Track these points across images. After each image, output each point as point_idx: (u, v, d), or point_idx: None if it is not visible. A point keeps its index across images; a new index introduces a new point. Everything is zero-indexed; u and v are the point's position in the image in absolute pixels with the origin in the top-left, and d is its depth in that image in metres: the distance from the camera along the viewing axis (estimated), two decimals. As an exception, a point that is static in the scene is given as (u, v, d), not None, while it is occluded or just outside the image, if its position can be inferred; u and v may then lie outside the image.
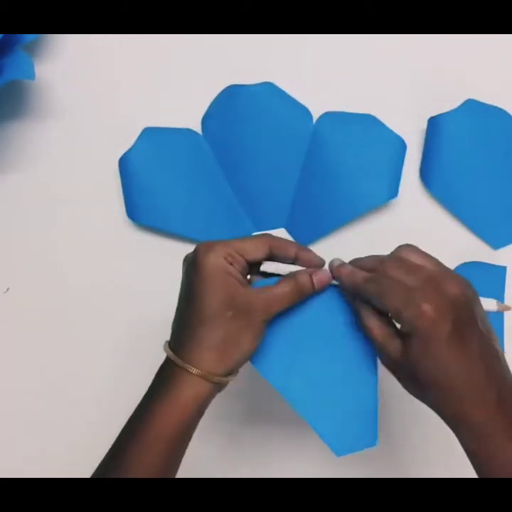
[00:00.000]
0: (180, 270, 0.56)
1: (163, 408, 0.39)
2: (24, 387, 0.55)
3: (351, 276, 0.40)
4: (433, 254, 0.55)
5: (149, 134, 0.56)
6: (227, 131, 0.56)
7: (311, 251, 0.42)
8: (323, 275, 0.41)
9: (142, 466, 0.39)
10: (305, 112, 0.56)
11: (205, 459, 0.53)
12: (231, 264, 0.39)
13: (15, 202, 0.57)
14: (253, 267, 0.41)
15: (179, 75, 0.59)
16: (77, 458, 0.54)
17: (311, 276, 0.40)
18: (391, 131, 0.55)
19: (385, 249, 0.56)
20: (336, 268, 0.41)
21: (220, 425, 0.54)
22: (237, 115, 0.56)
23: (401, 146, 0.55)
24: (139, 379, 0.55)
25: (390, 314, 0.39)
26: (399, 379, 0.39)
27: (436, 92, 0.58)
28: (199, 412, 0.40)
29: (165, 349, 0.40)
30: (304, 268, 0.41)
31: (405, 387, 0.39)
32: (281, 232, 0.56)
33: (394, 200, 0.56)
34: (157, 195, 0.55)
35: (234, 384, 0.53)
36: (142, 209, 0.55)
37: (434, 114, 0.56)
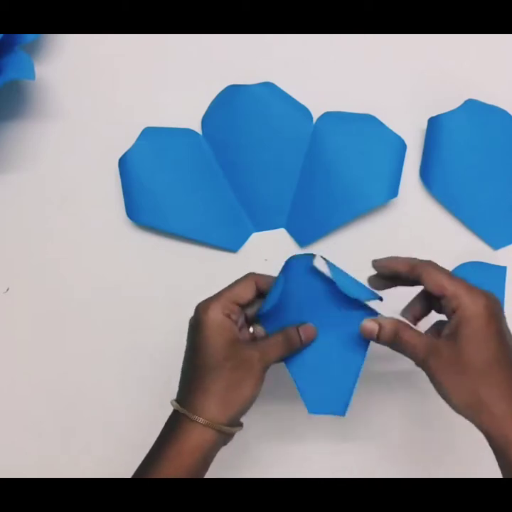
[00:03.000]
0: (180, 270, 0.56)
1: (171, 455, 0.41)
2: (24, 387, 0.55)
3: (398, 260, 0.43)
4: (433, 254, 0.55)
5: (149, 134, 0.56)
6: (227, 131, 0.56)
7: None
8: (308, 329, 0.44)
9: None
10: (305, 112, 0.56)
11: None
12: (229, 315, 0.42)
13: (15, 202, 0.57)
14: (246, 307, 0.44)
15: (179, 75, 0.59)
16: (77, 458, 0.54)
17: (298, 330, 0.44)
18: (391, 131, 0.55)
19: (385, 249, 0.56)
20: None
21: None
22: (237, 115, 0.56)
23: (401, 146, 0.55)
24: (139, 378, 0.55)
25: (441, 300, 0.40)
26: (434, 370, 0.39)
27: (436, 92, 0.58)
28: (204, 462, 0.42)
29: (171, 402, 0.43)
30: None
31: (441, 376, 0.39)
32: (281, 232, 0.56)
33: (394, 200, 0.56)
34: (157, 195, 0.55)
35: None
36: (142, 209, 0.55)
37: (434, 114, 0.56)
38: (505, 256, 0.55)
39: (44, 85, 0.59)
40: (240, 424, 0.43)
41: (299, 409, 0.54)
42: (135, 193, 0.55)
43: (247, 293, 0.43)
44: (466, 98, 0.55)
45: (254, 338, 0.45)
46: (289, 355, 0.44)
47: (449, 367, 0.38)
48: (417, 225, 0.56)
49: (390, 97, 0.58)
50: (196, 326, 0.42)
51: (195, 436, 0.41)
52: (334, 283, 0.44)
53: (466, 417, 0.38)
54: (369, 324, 0.42)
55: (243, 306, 0.44)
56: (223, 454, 0.53)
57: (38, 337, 0.55)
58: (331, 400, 0.45)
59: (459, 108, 0.55)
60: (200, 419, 0.40)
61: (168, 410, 0.50)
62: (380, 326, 0.41)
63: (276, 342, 0.43)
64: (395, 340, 0.41)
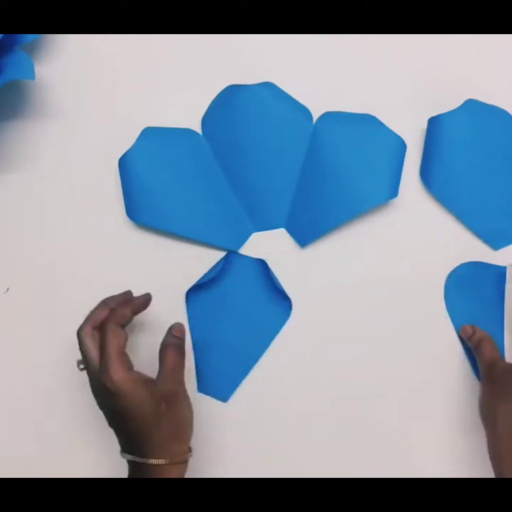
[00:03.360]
0: (180, 270, 0.56)
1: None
2: (24, 388, 0.55)
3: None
4: (433, 254, 0.56)
5: (149, 133, 0.56)
6: (227, 131, 0.56)
7: (132, 300, 0.49)
8: (177, 327, 0.48)
9: None
10: (305, 112, 0.56)
11: (206, 459, 0.53)
12: (130, 368, 0.45)
13: (15, 202, 0.57)
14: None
15: (179, 75, 0.59)
16: (77, 458, 0.54)
17: (172, 333, 0.48)
18: (391, 131, 0.55)
19: (385, 249, 0.56)
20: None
21: (219, 425, 0.54)
22: (237, 115, 0.56)
23: (401, 145, 0.55)
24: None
25: None
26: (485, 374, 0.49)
27: (436, 92, 0.58)
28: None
29: (131, 458, 0.44)
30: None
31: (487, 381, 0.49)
32: (281, 232, 0.56)
33: (394, 200, 0.56)
34: (157, 195, 0.55)
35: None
36: (142, 209, 0.55)
37: (434, 114, 0.56)
38: (505, 256, 0.55)
39: (44, 85, 0.59)
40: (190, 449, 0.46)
41: (297, 409, 0.54)
42: (135, 193, 0.55)
43: (121, 339, 0.46)
44: (466, 98, 0.55)
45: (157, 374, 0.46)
46: (181, 362, 0.47)
47: (489, 376, 0.48)
48: (417, 225, 0.56)
49: (390, 97, 0.58)
50: (112, 396, 0.44)
51: (175, 473, 0.44)
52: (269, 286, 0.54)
53: (484, 418, 0.47)
54: (468, 327, 0.52)
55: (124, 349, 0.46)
56: (224, 454, 0.53)
57: (38, 337, 0.55)
58: (219, 386, 0.53)
59: (459, 108, 0.55)
60: (175, 460, 0.43)
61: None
62: (474, 331, 0.52)
63: (173, 359, 0.46)
64: (478, 344, 0.50)
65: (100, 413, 0.54)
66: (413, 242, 0.56)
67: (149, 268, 0.56)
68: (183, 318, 0.55)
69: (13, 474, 0.51)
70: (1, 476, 0.51)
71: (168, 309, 0.55)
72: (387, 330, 0.54)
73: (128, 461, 0.45)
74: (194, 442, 0.50)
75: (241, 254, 0.55)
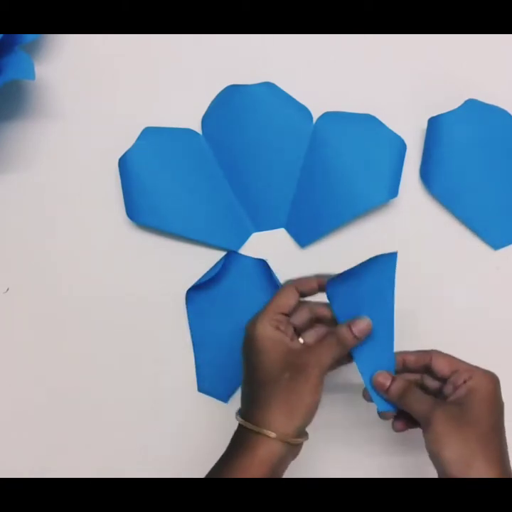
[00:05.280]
0: (180, 270, 0.56)
1: (239, 469, 0.41)
2: (24, 388, 0.55)
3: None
4: (433, 254, 0.56)
5: (149, 134, 0.56)
6: (227, 131, 0.56)
7: (328, 275, 0.47)
8: (361, 324, 0.44)
9: None
10: (305, 112, 0.56)
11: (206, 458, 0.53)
12: (278, 327, 0.43)
13: (15, 202, 0.57)
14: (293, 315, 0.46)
15: (179, 75, 0.59)
16: (77, 458, 0.54)
17: (350, 328, 0.44)
18: (391, 131, 0.55)
19: (385, 249, 0.56)
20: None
21: (219, 425, 0.54)
22: (237, 115, 0.56)
23: (401, 145, 0.55)
24: (139, 377, 0.55)
25: (451, 376, 0.44)
26: (435, 422, 0.41)
27: (436, 92, 0.58)
28: (273, 474, 0.41)
29: (236, 417, 0.43)
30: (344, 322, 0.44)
31: (442, 428, 0.41)
32: (281, 232, 0.56)
33: (394, 200, 0.56)
34: (157, 195, 0.55)
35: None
36: (142, 209, 0.55)
37: (434, 114, 0.56)
38: (505, 256, 0.55)
39: (44, 85, 0.59)
40: (306, 434, 0.43)
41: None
42: (135, 193, 0.55)
43: (290, 300, 0.45)
44: (466, 98, 0.55)
45: (305, 346, 0.45)
46: (344, 354, 0.44)
47: (451, 421, 0.41)
48: (417, 225, 0.56)
49: (390, 97, 0.58)
50: (249, 345, 0.44)
51: (263, 450, 0.41)
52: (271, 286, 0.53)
53: (452, 468, 0.40)
54: (381, 377, 0.44)
55: (289, 315, 0.45)
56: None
57: (38, 337, 0.55)
58: (220, 388, 0.53)
59: (459, 108, 0.55)
60: (269, 432, 0.41)
61: (171, 410, 0.50)
62: (392, 381, 0.44)
63: (329, 344, 0.43)
64: (402, 397, 0.43)
65: (100, 413, 0.54)
66: (413, 242, 0.56)
67: (149, 268, 0.56)
68: (183, 318, 0.55)
69: (13, 474, 0.51)
70: (1, 476, 0.51)
71: (168, 309, 0.55)
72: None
73: (237, 427, 0.44)
74: (194, 442, 0.50)
75: (241, 254, 0.55)
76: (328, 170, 0.55)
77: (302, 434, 0.43)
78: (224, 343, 0.54)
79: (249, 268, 0.55)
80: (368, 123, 0.55)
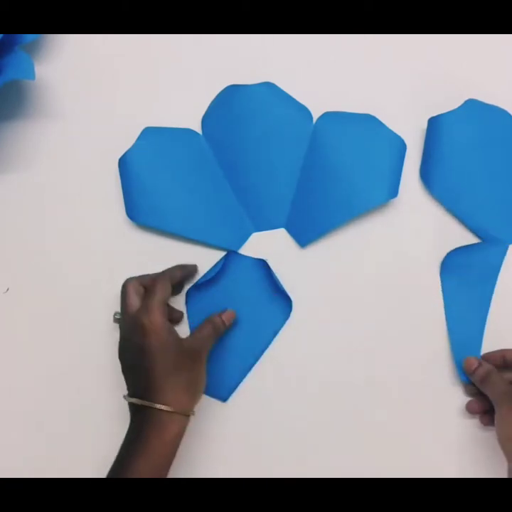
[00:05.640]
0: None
1: (154, 445, 0.45)
2: (24, 388, 0.55)
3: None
4: (433, 254, 0.55)
5: (149, 133, 0.56)
6: (227, 131, 0.56)
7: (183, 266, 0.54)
8: (229, 314, 0.52)
9: None
10: (305, 112, 0.56)
11: (205, 458, 0.53)
12: (168, 317, 0.49)
13: (15, 202, 0.57)
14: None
15: (179, 74, 0.59)
16: (76, 458, 0.54)
17: (221, 317, 0.51)
18: (391, 131, 0.55)
19: (385, 249, 0.56)
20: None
21: (219, 425, 0.54)
22: (236, 115, 0.56)
23: (401, 145, 0.55)
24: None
25: None
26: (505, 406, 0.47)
27: (436, 92, 0.58)
28: (177, 446, 0.47)
29: (136, 401, 0.47)
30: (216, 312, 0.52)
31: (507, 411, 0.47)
32: (281, 232, 0.56)
33: (394, 200, 0.56)
34: (157, 195, 0.55)
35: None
36: (142, 209, 0.55)
37: (434, 114, 0.56)
38: (506, 256, 0.55)
39: (44, 85, 0.59)
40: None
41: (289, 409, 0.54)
42: (135, 193, 0.55)
43: (168, 291, 0.50)
44: (466, 98, 0.55)
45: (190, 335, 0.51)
46: (217, 340, 0.51)
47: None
48: (416, 225, 0.56)
49: (390, 97, 0.58)
50: (141, 330, 0.47)
51: (176, 426, 0.46)
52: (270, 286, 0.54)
53: (506, 447, 0.46)
54: (471, 360, 0.51)
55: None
56: (224, 454, 0.53)
57: (38, 337, 0.55)
58: (219, 387, 0.53)
59: (459, 108, 0.55)
60: (179, 409, 0.46)
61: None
62: (479, 365, 0.50)
63: (208, 332, 0.50)
64: (484, 380, 0.49)
65: (100, 413, 0.54)
66: (413, 242, 0.56)
67: (149, 268, 0.56)
68: (184, 318, 0.55)
69: (12, 474, 0.51)
70: (1, 476, 0.51)
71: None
72: (387, 329, 0.54)
73: (130, 405, 0.48)
74: (193, 441, 0.50)
75: (241, 254, 0.55)
76: (328, 170, 0.55)
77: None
78: (223, 342, 0.54)
79: (249, 268, 0.55)
80: (368, 123, 0.55)
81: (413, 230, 0.56)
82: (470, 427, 0.52)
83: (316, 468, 0.53)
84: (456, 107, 0.55)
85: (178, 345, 0.48)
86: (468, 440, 0.52)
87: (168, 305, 0.52)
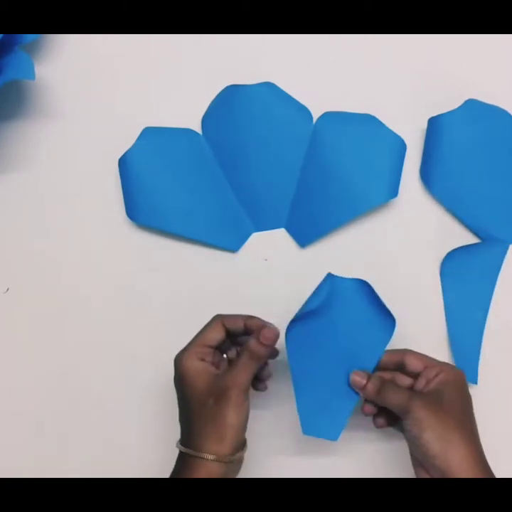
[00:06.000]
0: (180, 270, 0.56)
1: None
2: (24, 388, 0.55)
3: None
4: (432, 254, 0.56)
5: (149, 133, 0.56)
6: (227, 131, 0.56)
7: (255, 317, 0.47)
8: (267, 332, 0.45)
9: None
10: (305, 112, 0.56)
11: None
12: (203, 359, 0.46)
13: (15, 202, 0.57)
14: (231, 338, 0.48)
15: (179, 75, 0.59)
16: (76, 458, 0.54)
17: (257, 338, 0.45)
18: (391, 131, 0.55)
19: (385, 249, 0.56)
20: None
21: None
22: (236, 115, 0.56)
23: (401, 145, 0.55)
24: (139, 379, 0.55)
25: (423, 371, 0.47)
26: (416, 409, 0.44)
27: (436, 92, 0.58)
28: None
29: (177, 446, 0.45)
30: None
31: (422, 412, 0.44)
32: (281, 232, 0.56)
33: (394, 200, 0.56)
34: (157, 195, 0.55)
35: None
36: (142, 209, 0.55)
37: (434, 114, 0.56)
38: (506, 256, 0.55)
39: (44, 85, 0.59)
40: (242, 448, 0.45)
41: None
42: (135, 193, 0.55)
43: (216, 335, 0.46)
44: (465, 98, 0.55)
45: (225, 370, 0.46)
46: (259, 366, 0.46)
47: (429, 406, 0.44)
48: (416, 225, 0.56)
49: (390, 97, 0.58)
50: (178, 378, 0.46)
51: (202, 472, 0.43)
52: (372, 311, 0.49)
53: (434, 446, 0.42)
54: (357, 376, 0.47)
55: (216, 347, 0.47)
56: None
57: (38, 337, 0.55)
58: (326, 425, 0.48)
59: (459, 108, 0.55)
60: (205, 455, 0.43)
61: (166, 412, 0.50)
62: (368, 379, 0.46)
63: (243, 361, 0.45)
64: (379, 392, 0.46)
65: (100, 413, 0.54)
66: (413, 242, 0.56)
67: (149, 268, 0.56)
68: (185, 317, 0.55)
69: (13, 474, 0.51)
70: (1, 476, 0.51)
71: (167, 308, 0.56)
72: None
73: (179, 454, 0.46)
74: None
75: (339, 277, 0.50)
76: (328, 170, 0.55)
77: (238, 449, 0.45)
78: (326, 376, 0.48)
79: (349, 291, 0.50)
80: (368, 123, 0.55)
81: (413, 230, 0.56)
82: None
83: (317, 467, 0.53)
84: (456, 107, 0.55)
85: (208, 386, 0.45)
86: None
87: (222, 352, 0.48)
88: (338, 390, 0.48)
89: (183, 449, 0.44)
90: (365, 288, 0.50)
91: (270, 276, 0.56)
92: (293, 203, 0.56)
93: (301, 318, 0.48)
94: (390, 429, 0.48)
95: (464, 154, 0.55)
